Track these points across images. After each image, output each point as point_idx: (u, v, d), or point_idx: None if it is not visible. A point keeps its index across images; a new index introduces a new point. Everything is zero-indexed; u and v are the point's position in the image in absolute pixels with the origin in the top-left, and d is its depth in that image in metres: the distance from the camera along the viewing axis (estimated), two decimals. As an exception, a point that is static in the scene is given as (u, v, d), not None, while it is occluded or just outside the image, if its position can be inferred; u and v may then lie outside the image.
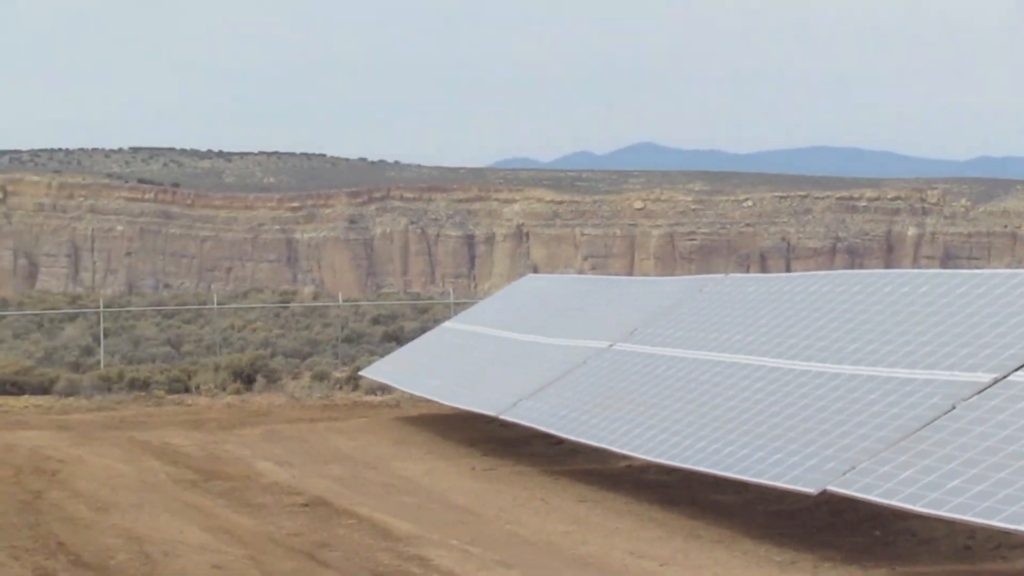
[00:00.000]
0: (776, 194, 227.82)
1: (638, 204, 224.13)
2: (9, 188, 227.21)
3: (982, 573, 29.06)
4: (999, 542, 29.71)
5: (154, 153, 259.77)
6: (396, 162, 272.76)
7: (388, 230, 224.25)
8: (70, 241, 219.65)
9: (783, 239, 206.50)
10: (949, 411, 32.28)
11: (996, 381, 32.66)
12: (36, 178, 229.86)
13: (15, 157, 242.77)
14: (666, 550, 32.14)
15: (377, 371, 63.90)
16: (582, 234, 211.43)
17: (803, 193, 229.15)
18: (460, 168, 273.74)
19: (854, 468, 31.69)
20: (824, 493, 31.86)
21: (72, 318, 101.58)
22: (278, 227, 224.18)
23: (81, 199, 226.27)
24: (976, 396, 32.45)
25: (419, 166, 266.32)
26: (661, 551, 32.07)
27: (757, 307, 48.18)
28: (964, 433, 31.13)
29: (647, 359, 46.02)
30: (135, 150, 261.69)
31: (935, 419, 32.29)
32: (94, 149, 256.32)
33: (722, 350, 43.66)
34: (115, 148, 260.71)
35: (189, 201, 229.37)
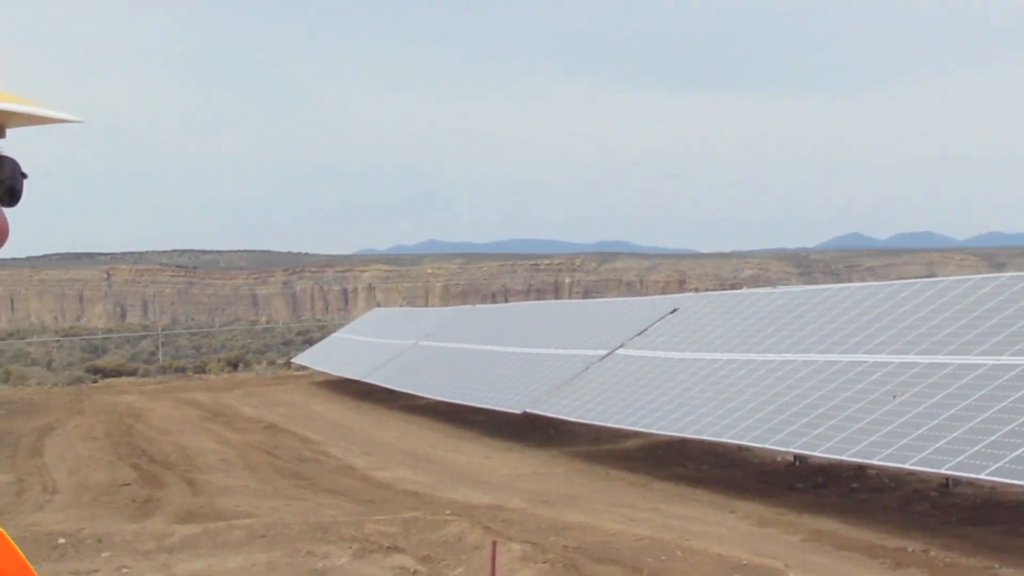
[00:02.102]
0: (499, 264, 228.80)
1: (429, 270, 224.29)
2: (110, 271, 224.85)
3: (603, 449, 29.17)
4: (615, 434, 29.75)
5: (184, 252, 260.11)
6: (306, 252, 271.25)
7: (303, 288, 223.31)
8: (143, 298, 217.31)
9: (503, 286, 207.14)
10: (584, 370, 32.63)
11: (608, 354, 33.04)
12: (124, 266, 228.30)
13: (113, 256, 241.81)
14: (447, 444, 32.44)
15: (300, 359, 64.21)
16: (402, 287, 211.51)
17: (512, 262, 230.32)
18: (339, 254, 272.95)
19: (538, 400, 31.98)
20: (525, 413, 32.13)
21: (144, 337, 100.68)
22: (247, 288, 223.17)
23: (148, 276, 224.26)
24: (598, 362, 32.82)
25: (318, 254, 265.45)
26: (444, 444, 32.39)
27: (490, 319, 48.83)
28: (592, 380, 31.51)
29: (435, 349, 46.61)
30: (173, 251, 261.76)
31: (577, 375, 32.66)
32: (153, 251, 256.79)
33: (471, 343, 44.18)
34: (164, 250, 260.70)
35: (202, 276, 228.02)
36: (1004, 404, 18.21)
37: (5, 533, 1.68)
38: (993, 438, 17.40)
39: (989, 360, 20.01)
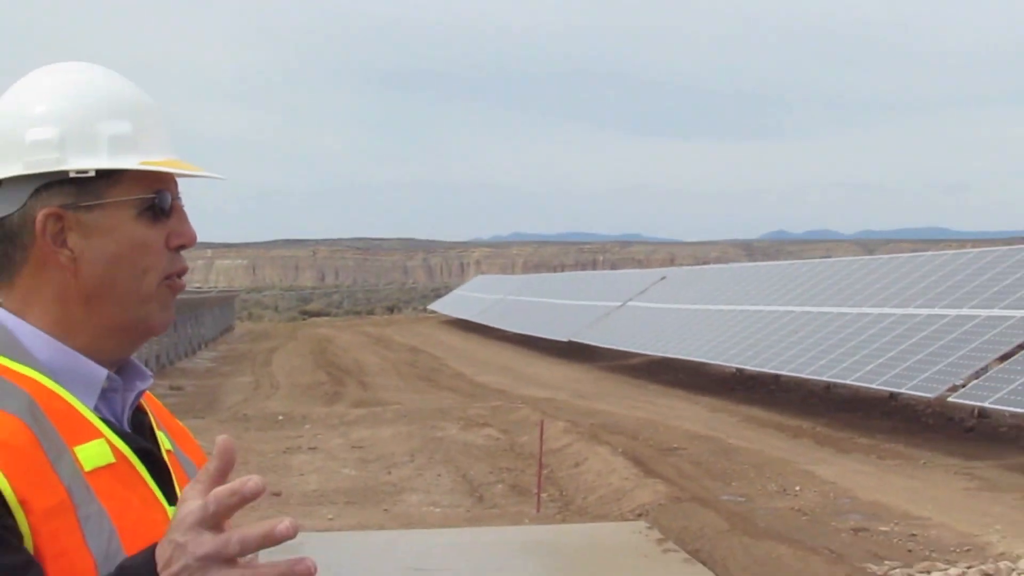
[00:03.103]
0: (558, 247, 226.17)
1: (515, 251, 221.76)
2: (315, 250, 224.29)
3: (618, 364, 28.88)
4: (626, 355, 29.03)
5: (360, 239, 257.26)
6: (438, 239, 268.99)
7: (435, 262, 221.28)
8: (335, 267, 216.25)
9: (561, 262, 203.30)
10: (607, 315, 32.45)
11: (621, 305, 32.89)
12: (324, 248, 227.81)
13: (317, 241, 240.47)
14: (522, 360, 32.23)
15: (432, 307, 64.22)
16: (497, 262, 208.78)
17: (566, 246, 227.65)
18: (458, 241, 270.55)
19: (578, 332, 31.92)
20: (570, 341, 32.11)
21: (335, 292, 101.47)
22: (400, 262, 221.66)
23: (339, 254, 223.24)
24: (616, 310, 32.72)
25: (445, 240, 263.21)
26: (520, 360, 32.26)
27: (550, 283, 48.57)
28: (612, 321, 31.25)
29: (516, 301, 46.39)
30: (353, 238, 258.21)
31: (603, 317, 32.45)
32: (341, 237, 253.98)
33: (538, 297, 43.94)
34: (347, 237, 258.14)
35: (372, 254, 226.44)
36: (863, 337, 18.36)
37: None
38: (856, 358, 17.58)
39: (854, 310, 20.15)
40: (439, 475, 13.26)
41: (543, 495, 11.63)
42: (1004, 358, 14.75)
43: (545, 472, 12.43)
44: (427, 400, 21.51)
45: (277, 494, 12.04)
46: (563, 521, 10.62)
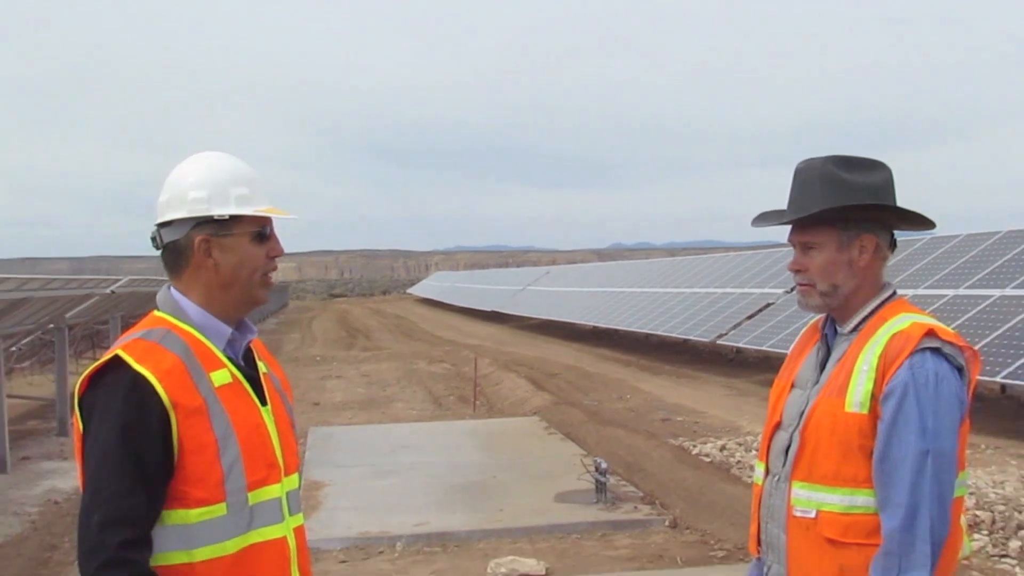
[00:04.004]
0: (486, 255, 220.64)
1: (459, 257, 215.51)
2: (338, 257, 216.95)
3: (522, 324, 27.91)
4: (526, 319, 28.35)
5: (366, 250, 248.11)
6: (411, 250, 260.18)
7: (411, 264, 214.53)
8: (350, 267, 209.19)
9: (486, 263, 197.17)
10: (514, 295, 31.42)
11: (522, 289, 31.62)
12: (344, 256, 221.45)
13: (338, 251, 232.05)
14: (464, 323, 31.02)
15: (410, 291, 62.65)
16: (449, 263, 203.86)
17: (489, 254, 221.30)
18: (424, 250, 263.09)
19: (499, 305, 30.53)
20: (493, 311, 30.72)
21: (349, 282, 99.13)
22: (389, 263, 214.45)
23: (351, 258, 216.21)
24: (519, 291, 31.64)
25: (415, 250, 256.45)
26: (463, 323, 31.08)
27: (479, 276, 47.47)
28: (518, 298, 29.98)
29: (459, 287, 45.26)
30: (363, 249, 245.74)
31: (512, 295, 31.62)
32: (351, 249, 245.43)
33: (472, 284, 42.69)
34: (358, 249, 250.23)
35: (372, 259, 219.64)
36: (668, 306, 18.45)
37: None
38: (663, 318, 17.64)
39: (662, 290, 20.29)
40: (415, 392, 13.19)
41: (477, 402, 11.71)
42: (751, 317, 15.10)
43: (478, 389, 12.55)
44: (407, 347, 21.21)
45: (317, 404, 12.05)
46: (490, 417, 10.68)
